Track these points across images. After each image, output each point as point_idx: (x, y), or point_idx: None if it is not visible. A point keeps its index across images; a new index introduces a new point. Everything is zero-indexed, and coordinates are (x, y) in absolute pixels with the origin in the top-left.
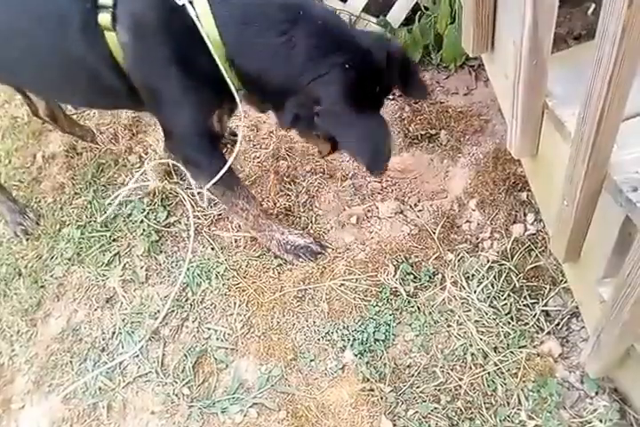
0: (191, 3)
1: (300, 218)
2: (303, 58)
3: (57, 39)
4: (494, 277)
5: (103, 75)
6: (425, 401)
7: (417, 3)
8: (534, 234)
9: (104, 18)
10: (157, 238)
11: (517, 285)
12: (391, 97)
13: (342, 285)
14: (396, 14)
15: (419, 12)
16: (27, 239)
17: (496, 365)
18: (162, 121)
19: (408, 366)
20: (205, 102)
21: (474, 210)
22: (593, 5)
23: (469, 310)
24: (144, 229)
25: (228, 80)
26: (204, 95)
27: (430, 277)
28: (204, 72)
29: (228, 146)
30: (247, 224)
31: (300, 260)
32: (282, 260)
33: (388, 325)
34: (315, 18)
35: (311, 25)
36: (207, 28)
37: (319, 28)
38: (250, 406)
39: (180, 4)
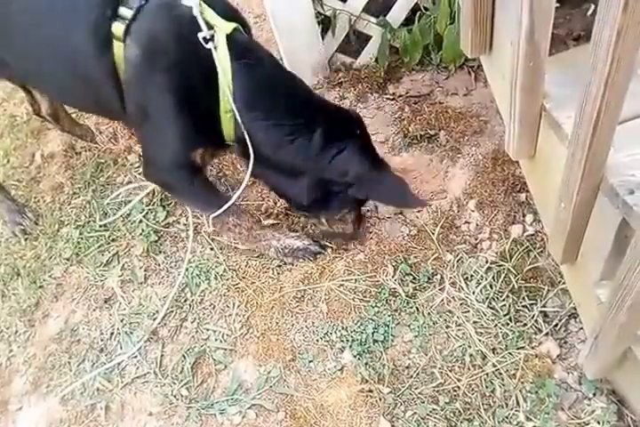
0: (215, 48)
1: (299, 217)
2: (323, 144)
3: (67, 37)
4: (493, 277)
5: (101, 82)
6: (423, 402)
7: (417, 3)
8: (533, 235)
9: (118, 27)
10: (156, 239)
11: (516, 286)
12: (391, 97)
13: (341, 285)
14: (396, 14)
15: (418, 13)
16: (25, 239)
17: (494, 366)
18: (144, 144)
19: (407, 367)
20: (191, 138)
21: (473, 211)
22: (592, 6)
23: (468, 311)
24: (143, 230)
25: (244, 131)
26: (191, 131)
27: (429, 278)
28: (199, 112)
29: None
30: (242, 239)
31: (300, 261)
32: (281, 262)
33: (387, 325)
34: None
35: (330, 115)
36: (224, 75)
37: (337, 119)
38: (248, 408)
39: (207, 46)
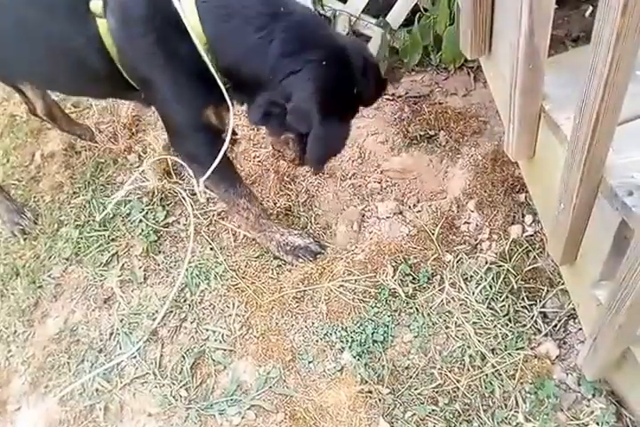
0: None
1: (299, 218)
2: (279, 54)
3: (48, 23)
4: (492, 278)
5: (91, 61)
6: (423, 403)
7: (416, 4)
8: (532, 235)
9: (95, 4)
10: (156, 238)
11: (515, 286)
12: (391, 98)
13: (341, 286)
14: (396, 15)
15: (418, 14)
16: (24, 239)
17: (494, 366)
18: (161, 116)
19: (406, 368)
20: (196, 96)
21: (472, 211)
22: (590, 8)
23: (467, 312)
24: (143, 229)
25: (214, 72)
26: (193, 89)
27: (429, 279)
28: (191, 65)
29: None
30: (248, 224)
31: (300, 260)
32: (281, 260)
33: (387, 326)
34: (294, 15)
35: (290, 21)
36: (191, 20)
37: (298, 25)
38: (248, 408)
39: None
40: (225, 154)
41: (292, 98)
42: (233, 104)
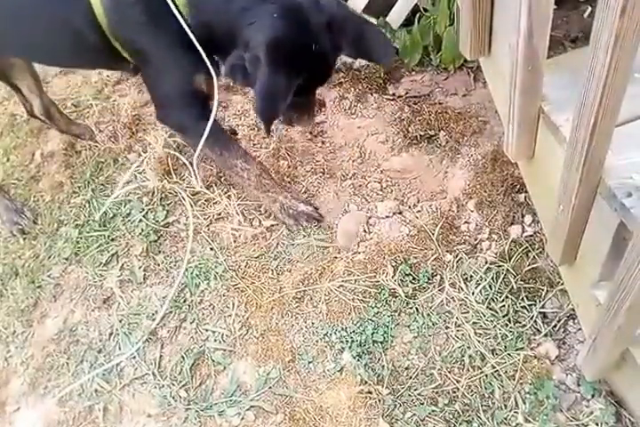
0: None
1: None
2: (240, 7)
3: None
4: (492, 278)
5: (81, 32)
6: (423, 403)
7: (416, 4)
8: (532, 235)
9: None
10: (156, 238)
11: (515, 286)
12: (391, 97)
13: (341, 286)
14: (396, 15)
15: (418, 14)
16: (24, 238)
17: (493, 367)
18: (150, 88)
19: (406, 369)
20: (187, 63)
21: (472, 211)
22: (589, 8)
23: (467, 312)
24: (142, 229)
25: (192, 36)
26: (183, 56)
27: (429, 279)
28: (180, 34)
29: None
30: (250, 184)
31: (299, 226)
32: (281, 223)
33: (387, 326)
34: None
35: None
36: None
37: None
38: (247, 409)
39: None
40: (215, 119)
41: (248, 48)
42: (217, 72)
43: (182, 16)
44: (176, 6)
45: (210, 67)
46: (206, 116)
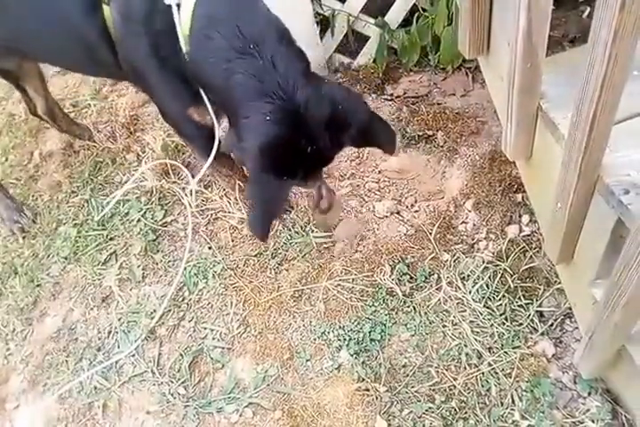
0: (178, 5)
1: (297, 217)
2: (237, 95)
3: (57, 6)
4: (489, 277)
5: (96, 46)
6: (419, 401)
7: (415, 4)
8: (529, 235)
9: None
10: (154, 237)
11: (512, 285)
12: (389, 98)
13: (339, 285)
14: (394, 15)
15: (416, 14)
16: (23, 237)
17: (490, 365)
18: (149, 96)
19: (403, 366)
20: (180, 97)
21: (470, 211)
22: (588, 9)
23: (464, 311)
24: (141, 228)
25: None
26: (178, 90)
27: (426, 278)
28: (180, 69)
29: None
30: (235, 188)
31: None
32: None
33: (384, 325)
34: (262, 57)
35: (252, 65)
36: (184, 30)
37: (258, 71)
38: (245, 406)
39: (167, 3)
40: (208, 132)
41: (242, 140)
42: (213, 108)
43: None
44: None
45: (209, 107)
46: (205, 133)
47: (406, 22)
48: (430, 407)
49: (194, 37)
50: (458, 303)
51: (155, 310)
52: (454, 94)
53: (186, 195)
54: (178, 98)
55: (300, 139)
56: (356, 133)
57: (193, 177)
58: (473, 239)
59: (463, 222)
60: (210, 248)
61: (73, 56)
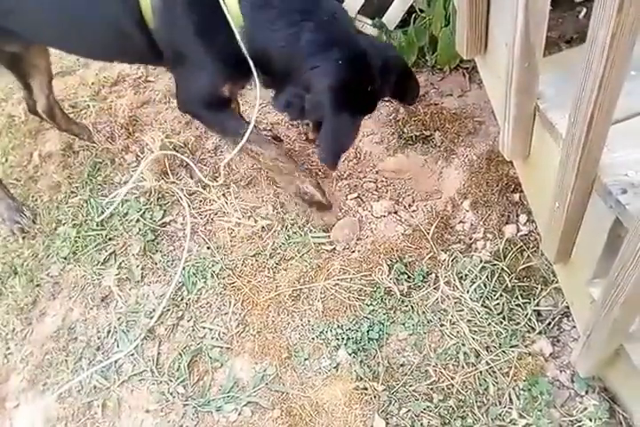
0: None
1: (295, 217)
2: (304, 51)
3: None
4: (487, 277)
5: (131, 33)
6: (417, 400)
7: (412, 5)
8: (526, 235)
9: None
10: (153, 237)
11: (510, 285)
12: (386, 98)
13: (337, 284)
14: (392, 16)
15: (414, 15)
16: (23, 238)
17: (488, 364)
18: (178, 82)
19: (401, 365)
20: (221, 75)
21: (467, 211)
22: (584, 9)
23: (462, 310)
24: (140, 229)
25: (247, 56)
26: (220, 68)
27: (424, 277)
28: (223, 44)
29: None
30: (266, 167)
31: (309, 210)
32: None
33: (382, 324)
34: (324, 13)
35: (318, 21)
36: (230, 5)
37: (325, 25)
38: (244, 405)
39: None
40: (226, 105)
41: (310, 90)
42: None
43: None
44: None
45: (257, 80)
46: (226, 110)
47: (404, 23)
48: (428, 406)
49: (247, 10)
50: (455, 303)
51: (154, 310)
52: (451, 94)
53: (184, 195)
54: (217, 76)
55: (364, 80)
56: (394, 82)
57: (192, 177)
58: (470, 239)
59: (461, 222)
60: (208, 248)
61: (108, 45)
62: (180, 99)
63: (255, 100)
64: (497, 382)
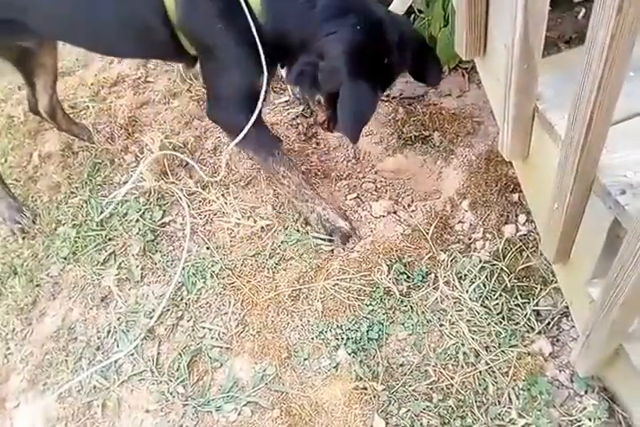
0: None
1: (294, 217)
2: (319, 18)
3: None
4: (486, 277)
5: (154, 28)
6: (417, 400)
7: (411, 6)
8: (526, 235)
9: None
10: (153, 238)
11: (509, 285)
12: (385, 98)
13: (336, 284)
14: None
15: (413, 15)
16: (23, 238)
17: (487, 364)
18: (210, 82)
19: (401, 365)
20: (252, 62)
21: (466, 211)
22: (583, 10)
23: (462, 310)
24: (139, 229)
25: (255, 35)
26: (250, 55)
27: (423, 277)
28: (248, 32)
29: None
30: (289, 193)
31: (331, 240)
32: (319, 239)
33: (382, 324)
34: None
35: None
36: None
37: None
38: (244, 405)
39: None
40: (262, 120)
41: (325, 57)
42: (269, 70)
43: (254, 17)
44: (249, 8)
45: (263, 62)
46: (259, 119)
47: None
48: (428, 406)
49: None
50: (455, 302)
51: (153, 310)
52: (450, 95)
53: (184, 195)
54: (247, 64)
55: (381, 50)
56: (412, 57)
57: (191, 178)
58: (470, 239)
59: (460, 222)
60: (208, 248)
61: (129, 41)
62: (210, 103)
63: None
64: (496, 382)
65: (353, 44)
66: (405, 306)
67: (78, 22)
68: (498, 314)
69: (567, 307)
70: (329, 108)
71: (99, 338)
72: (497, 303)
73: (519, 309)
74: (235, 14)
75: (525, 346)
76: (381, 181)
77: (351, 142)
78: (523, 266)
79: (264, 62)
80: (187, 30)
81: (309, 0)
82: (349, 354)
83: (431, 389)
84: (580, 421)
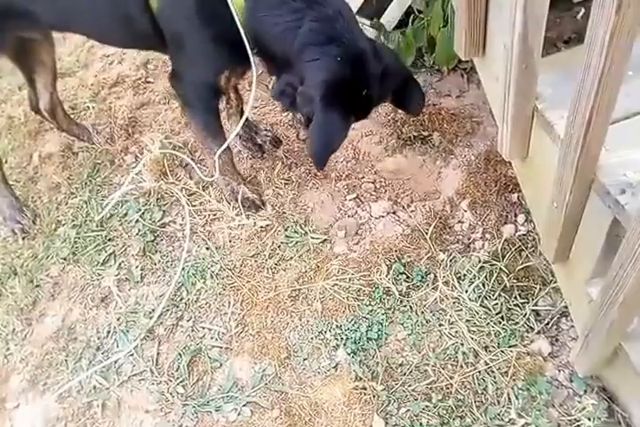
0: None
1: (294, 217)
2: (305, 41)
3: None
4: (485, 277)
5: (138, 20)
6: (416, 399)
7: (410, 6)
8: (525, 235)
9: None
10: (153, 238)
11: (508, 284)
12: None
13: (335, 284)
14: (390, 17)
15: (412, 15)
16: (23, 238)
17: (487, 364)
18: (176, 64)
19: (400, 365)
20: (220, 62)
21: (465, 211)
22: (582, 10)
23: (461, 310)
24: (139, 229)
25: (246, 42)
26: (221, 50)
27: (422, 277)
28: (223, 30)
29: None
30: (214, 165)
31: (244, 209)
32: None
33: (381, 324)
34: (328, 7)
35: (323, 13)
36: None
37: (328, 18)
38: (244, 405)
39: None
40: (218, 112)
41: (304, 82)
42: (237, 68)
43: (232, 18)
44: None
45: (253, 65)
46: (213, 105)
47: (402, 24)
48: (427, 406)
49: None
50: (454, 302)
51: (153, 310)
52: (450, 95)
53: (184, 195)
54: (216, 58)
55: (360, 82)
56: (395, 90)
57: (191, 178)
58: (469, 239)
59: (459, 222)
60: (207, 249)
61: (115, 29)
62: (174, 77)
63: (250, 96)
64: (495, 382)
65: (331, 75)
66: (405, 306)
67: (77, 10)
68: (497, 314)
69: (566, 307)
70: (306, 128)
71: (98, 338)
72: (496, 303)
73: (518, 309)
74: (210, 9)
75: (525, 346)
76: (381, 182)
77: (316, 169)
78: (522, 266)
79: (252, 58)
80: (163, 18)
81: (296, 19)
82: (349, 354)
83: (430, 389)
84: (579, 420)
